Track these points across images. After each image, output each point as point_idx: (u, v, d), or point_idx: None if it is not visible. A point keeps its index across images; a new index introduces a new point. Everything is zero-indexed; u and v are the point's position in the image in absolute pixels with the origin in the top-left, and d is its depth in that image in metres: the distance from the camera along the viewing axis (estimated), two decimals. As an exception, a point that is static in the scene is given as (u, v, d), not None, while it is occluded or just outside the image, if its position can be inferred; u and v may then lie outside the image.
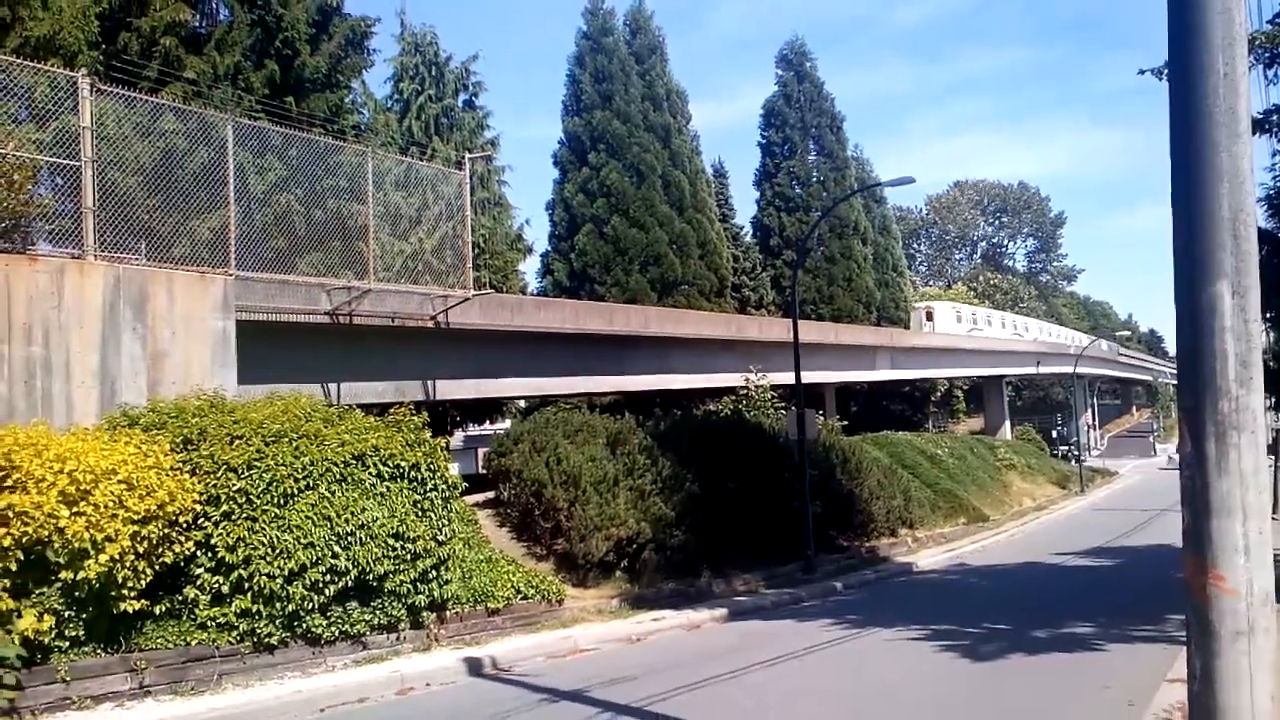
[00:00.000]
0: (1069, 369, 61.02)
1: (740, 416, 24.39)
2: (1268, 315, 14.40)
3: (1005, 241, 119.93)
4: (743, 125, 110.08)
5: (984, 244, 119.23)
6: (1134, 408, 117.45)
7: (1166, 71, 4.08)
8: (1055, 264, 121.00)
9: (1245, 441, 3.65)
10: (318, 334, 16.23)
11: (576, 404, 25.12)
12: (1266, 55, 14.10)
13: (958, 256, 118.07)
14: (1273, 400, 16.22)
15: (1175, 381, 4.20)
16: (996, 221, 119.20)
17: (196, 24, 20.32)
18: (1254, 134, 13.67)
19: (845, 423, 32.00)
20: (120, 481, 9.16)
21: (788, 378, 21.17)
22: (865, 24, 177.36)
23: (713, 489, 18.31)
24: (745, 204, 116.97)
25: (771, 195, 56.62)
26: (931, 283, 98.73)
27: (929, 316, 55.51)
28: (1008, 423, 66.81)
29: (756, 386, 28.69)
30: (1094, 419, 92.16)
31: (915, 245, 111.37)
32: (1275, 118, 14.50)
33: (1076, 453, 54.06)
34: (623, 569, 16.34)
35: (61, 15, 16.96)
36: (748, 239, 54.04)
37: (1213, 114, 3.71)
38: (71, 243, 11.99)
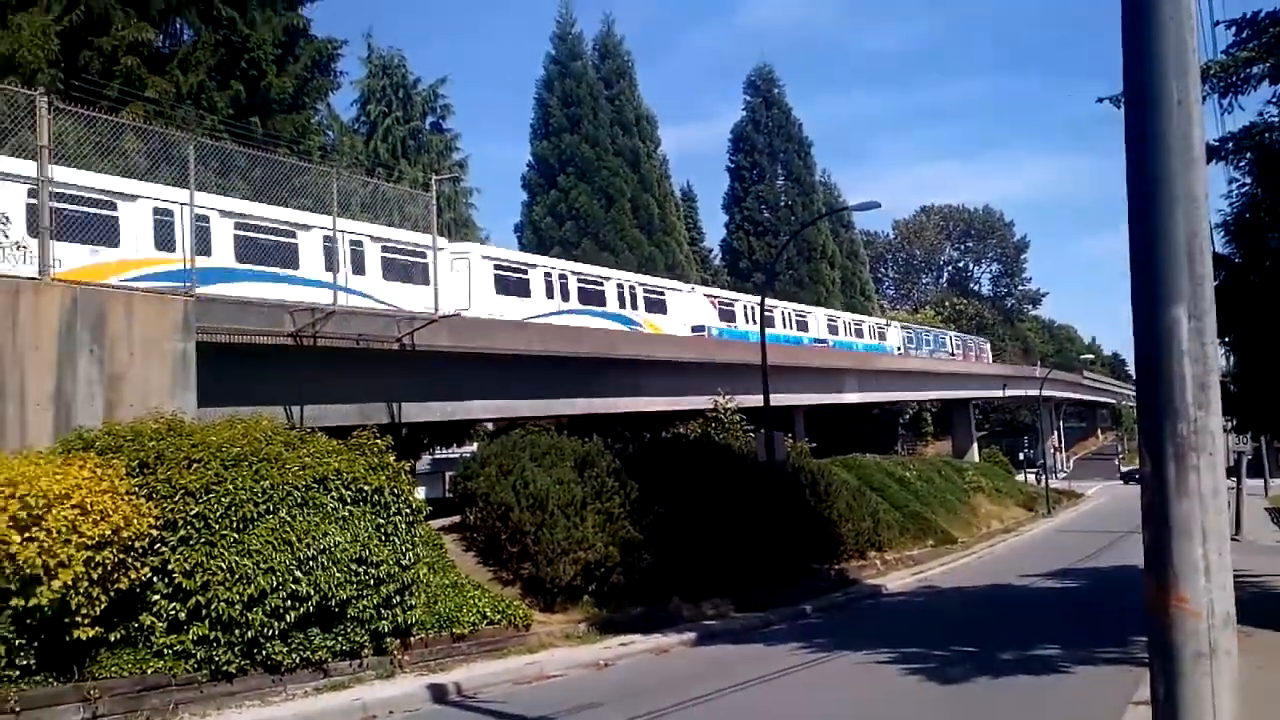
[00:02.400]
0: (1035, 391, 61.71)
1: (709, 439, 24.33)
2: (1225, 339, 14.64)
3: (970, 266, 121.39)
4: (715, 148, 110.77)
5: (950, 268, 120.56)
6: (1099, 430, 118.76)
7: (1123, 99, 4.12)
8: (1020, 288, 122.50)
9: (1204, 463, 3.66)
10: (280, 356, 16.02)
11: (545, 426, 24.97)
12: (1221, 85, 14.37)
13: (924, 280, 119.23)
14: (1231, 423, 16.43)
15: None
16: (962, 246, 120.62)
17: (160, 43, 20.16)
18: (1209, 161, 13.95)
19: (814, 445, 32.06)
20: (74, 506, 8.96)
21: (758, 400, 21.18)
22: (836, 50, 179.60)
23: (681, 512, 18.24)
24: (716, 227, 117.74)
25: (740, 219, 57.12)
26: (898, 306, 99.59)
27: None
28: (975, 445, 67.37)
29: (725, 409, 28.71)
30: (1060, 441, 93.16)
31: (882, 270, 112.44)
32: (1230, 145, 14.78)
33: (1043, 475, 54.55)
34: (591, 593, 16.20)
35: (21, 34, 16.77)
36: (717, 262, 54.38)
37: (1168, 141, 3.74)
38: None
